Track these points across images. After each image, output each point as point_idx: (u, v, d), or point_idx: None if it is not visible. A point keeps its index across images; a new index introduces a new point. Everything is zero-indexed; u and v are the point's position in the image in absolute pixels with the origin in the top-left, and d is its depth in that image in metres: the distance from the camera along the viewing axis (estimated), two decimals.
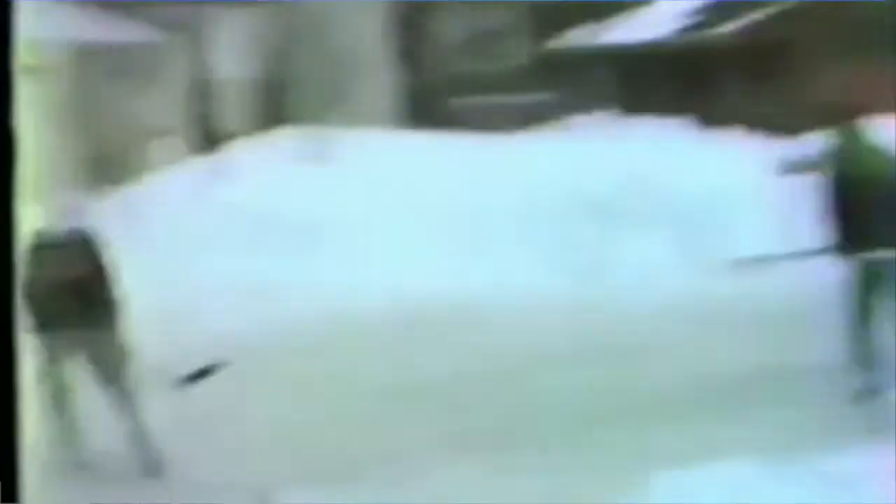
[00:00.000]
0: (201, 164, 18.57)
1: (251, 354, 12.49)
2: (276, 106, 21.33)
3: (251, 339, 13.07)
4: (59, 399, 9.51)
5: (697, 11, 24.88)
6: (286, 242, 16.14)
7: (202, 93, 21.17)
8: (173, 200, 17.41)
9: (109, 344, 9.57)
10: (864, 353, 9.83)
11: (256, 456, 9.43)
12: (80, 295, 9.44)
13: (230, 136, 19.43)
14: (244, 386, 11.32)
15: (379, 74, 23.55)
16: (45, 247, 9.48)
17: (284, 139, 18.85)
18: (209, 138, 20.04)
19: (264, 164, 18.01)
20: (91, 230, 9.76)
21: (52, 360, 9.48)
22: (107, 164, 19.99)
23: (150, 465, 9.39)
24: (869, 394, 9.73)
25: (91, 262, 9.57)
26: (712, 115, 22.13)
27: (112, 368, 9.54)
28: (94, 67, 20.68)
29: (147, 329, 13.17)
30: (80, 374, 9.51)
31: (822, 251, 10.11)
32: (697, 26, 24.47)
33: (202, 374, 10.78)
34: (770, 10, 23.25)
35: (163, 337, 13.38)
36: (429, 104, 24.09)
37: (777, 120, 20.41)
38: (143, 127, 20.52)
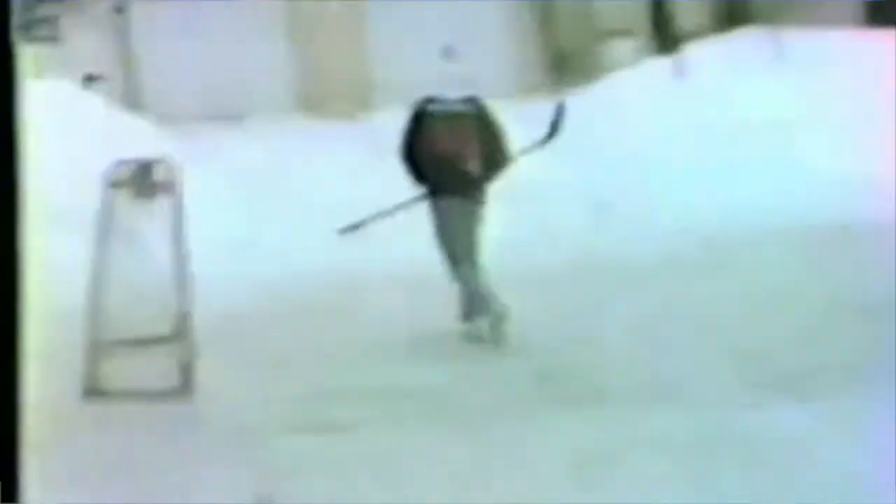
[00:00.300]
0: (660, 65, 18.78)
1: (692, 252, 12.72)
2: (736, 6, 21.21)
3: (699, 235, 13.36)
4: (461, 264, 9.48)
5: None
6: (744, 143, 16.22)
7: None
8: (632, 101, 17.70)
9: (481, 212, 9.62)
10: None
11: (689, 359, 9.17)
12: (472, 164, 9.51)
13: (689, 37, 19.48)
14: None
15: None
16: (439, 115, 9.57)
17: (744, 40, 18.73)
18: (668, 39, 20.15)
19: (724, 65, 17.98)
20: (482, 100, 9.74)
21: (448, 230, 9.54)
22: (566, 64, 20.47)
23: (498, 337, 9.37)
24: None
25: (485, 132, 9.58)
26: None
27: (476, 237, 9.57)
28: None
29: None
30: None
31: None
32: None
33: (554, 126, 10.90)
34: None
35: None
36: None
37: None
38: (602, 27, 20.81)
